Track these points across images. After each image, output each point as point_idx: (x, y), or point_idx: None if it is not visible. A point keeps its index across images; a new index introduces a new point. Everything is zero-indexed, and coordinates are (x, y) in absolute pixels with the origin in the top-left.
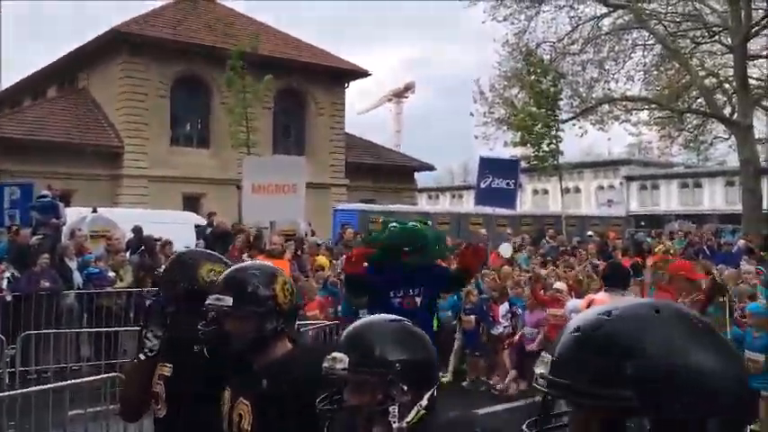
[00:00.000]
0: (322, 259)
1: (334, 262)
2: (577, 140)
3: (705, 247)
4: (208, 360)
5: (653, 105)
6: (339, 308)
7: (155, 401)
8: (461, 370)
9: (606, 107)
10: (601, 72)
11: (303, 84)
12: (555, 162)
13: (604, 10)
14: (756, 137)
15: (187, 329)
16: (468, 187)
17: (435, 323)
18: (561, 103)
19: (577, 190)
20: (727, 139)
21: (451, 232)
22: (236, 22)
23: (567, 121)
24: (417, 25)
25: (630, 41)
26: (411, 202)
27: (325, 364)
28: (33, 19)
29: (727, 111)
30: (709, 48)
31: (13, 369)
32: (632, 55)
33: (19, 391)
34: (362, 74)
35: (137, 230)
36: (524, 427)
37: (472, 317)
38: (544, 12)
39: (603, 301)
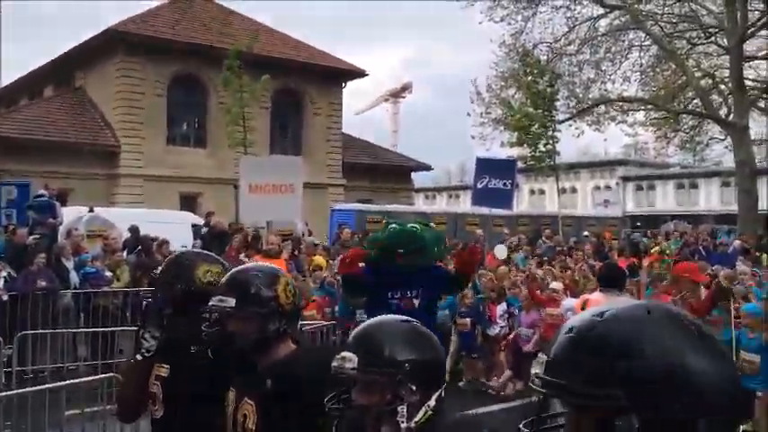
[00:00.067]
0: (319, 259)
1: (331, 262)
2: (574, 141)
3: (701, 248)
4: (211, 361)
5: (649, 106)
6: (336, 308)
7: (152, 402)
8: (458, 370)
9: (603, 108)
10: (597, 73)
11: (300, 83)
12: (551, 162)
13: (601, 11)
14: (752, 138)
15: (184, 330)
16: (465, 187)
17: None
18: (558, 103)
19: (574, 190)
20: (723, 140)
21: (448, 232)
22: (233, 22)
23: (563, 121)
24: (416, 25)
25: (627, 42)
26: (408, 202)
27: (335, 364)
28: (32, 18)
29: (723, 112)
30: (705, 49)
31: (9, 369)
32: (629, 56)
33: (15, 391)
34: (359, 74)
35: (133, 230)
36: (521, 425)
37: (467, 320)
38: (541, 12)
39: (598, 302)
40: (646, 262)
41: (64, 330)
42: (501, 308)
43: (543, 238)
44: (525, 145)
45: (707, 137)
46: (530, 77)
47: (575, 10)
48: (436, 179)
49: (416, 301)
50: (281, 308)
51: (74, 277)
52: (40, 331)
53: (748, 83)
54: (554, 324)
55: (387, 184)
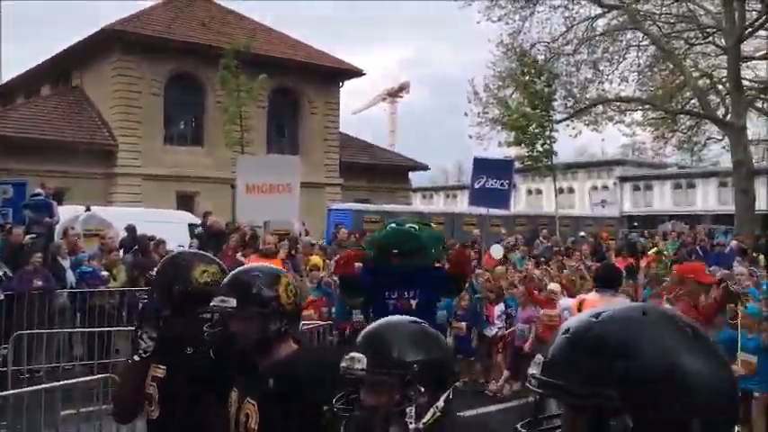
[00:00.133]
0: (316, 259)
1: (328, 262)
2: (571, 141)
3: (698, 248)
4: (209, 361)
5: (647, 106)
6: (333, 309)
7: (148, 403)
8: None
9: (600, 108)
10: (595, 73)
11: (297, 83)
12: (549, 162)
13: (599, 11)
14: (749, 138)
15: (181, 331)
16: (462, 187)
17: None
18: (555, 103)
19: (571, 190)
20: (721, 140)
21: (445, 232)
22: (230, 21)
23: (561, 121)
24: (415, 25)
25: (625, 42)
26: (405, 201)
27: (344, 364)
28: (32, 18)
29: (720, 112)
30: (702, 49)
31: (5, 369)
32: (626, 56)
33: (11, 391)
34: (357, 73)
35: (130, 229)
36: (519, 425)
37: (463, 324)
38: (539, 12)
39: (594, 302)
40: (643, 263)
41: (60, 330)
42: (499, 308)
43: (540, 239)
44: (522, 145)
45: (704, 137)
46: (527, 77)
47: (572, 10)
48: (433, 179)
49: (414, 302)
50: (282, 308)
51: (70, 277)
52: (36, 331)
53: (746, 83)
54: (551, 325)
55: (384, 183)
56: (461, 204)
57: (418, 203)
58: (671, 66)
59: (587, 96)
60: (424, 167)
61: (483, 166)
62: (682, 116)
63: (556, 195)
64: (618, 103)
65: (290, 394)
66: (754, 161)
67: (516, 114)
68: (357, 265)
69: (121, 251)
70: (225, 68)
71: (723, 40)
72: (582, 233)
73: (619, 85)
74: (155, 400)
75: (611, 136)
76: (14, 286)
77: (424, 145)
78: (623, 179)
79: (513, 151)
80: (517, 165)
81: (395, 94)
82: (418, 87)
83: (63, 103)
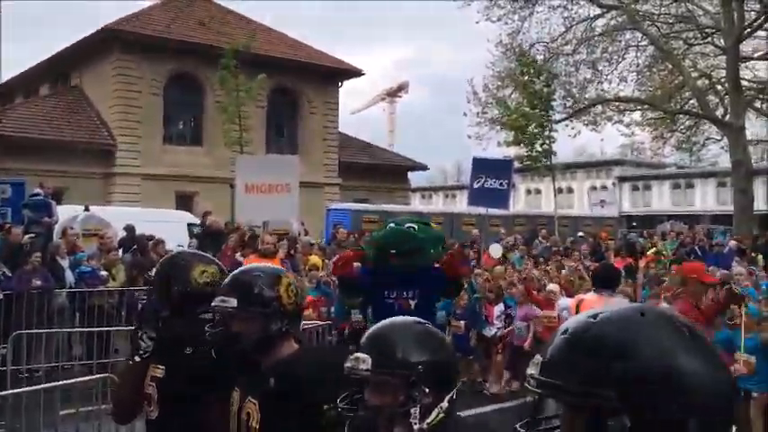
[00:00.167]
0: (315, 259)
1: (327, 262)
2: (570, 141)
3: (696, 248)
4: (209, 361)
5: (645, 106)
6: (332, 308)
7: (147, 403)
8: None
9: (599, 108)
10: (594, 73)
11: (297, 82)
12: (548, 162)
13: (598, 11)
14: (748, 138)
15: (180, 331)
16: (461, 187)
17: None
18: (554, 103)
19: (570, 190)
20: (720, 140)
21: (444, 232)
22: (230, 21)
23: (560, 121)
24: (414, 25)
25: (623, 42)
26: (404, 201)
27: (348, 364)
28: (32, 18)
29: (719, 112)
30: (701, 49)
31: (4, 368)
32: (625, 56)
33: (10, 391)
34: (356, 73)
35: (129, 229)
36: (518, 426)
37: (462, 322)
38: (538, 12)
39: (592, 301)
40: (642, 263)
41: (59, 330)
42: (498, 308)
43: (540, 239)
44: (522, 145)
45: (703, 137)
46: (526, 77)
47: (571, 10)
48: (432, 179)
49: (413, 302)
50: (283, 308)
51: (69, 276)
52: (35, 331)
53: (744, 83)
54: (551, 326)
55: (383, 183)
56: (460, 204)
57: (417, 203)
58: (670, 66)
59: (586, 96)
60: (423, 167)
61: (482, 166)
62: (680, 116)
63: (555, 195)
64: (617, 104)
65: (290, 394)
66: (752, 161)
67: (515, 114)
68: (356, 265)
69: (120, 251)
70: (224, 68)
71: (722, 41)
72: (581, 233)
73: (618, 85)
74: (154, 400)
75: (609, 136)
76: (13, 286)
77: (424, 145)
78: (622, 179)
79: (512, 151)
80: (516, 165)
81: (394, 93)
82: (418, 87)
83: (62, 102)
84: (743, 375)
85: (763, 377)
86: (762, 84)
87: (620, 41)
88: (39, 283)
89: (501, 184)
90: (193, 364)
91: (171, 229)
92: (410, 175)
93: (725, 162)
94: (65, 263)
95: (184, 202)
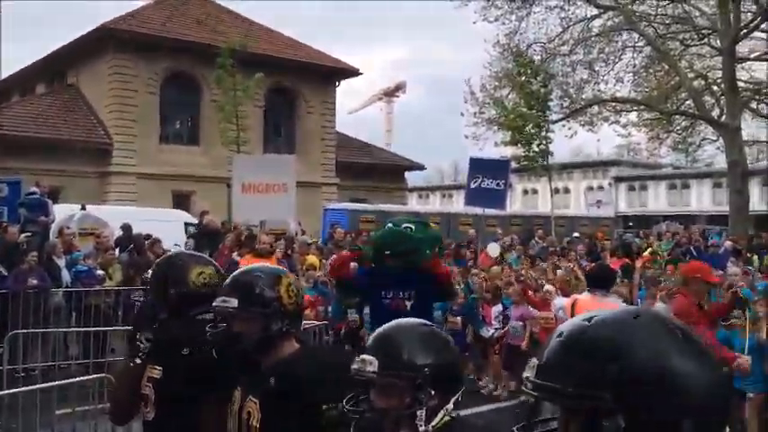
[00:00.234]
0: (312, 259)
1: (324, 261)
2: (567, 141)
3: (692, 248)
4: (214, 361)
5: (642, 107)
6: (329, 308)
7: (144, 404)
8: None
9: (596, 108)
10: (591, 73)
11: (294, 82)
12: (545, 162)
13: (595, 11)
14: (744, 139)
15: (177, 332)
16: (458, 187)
17: None
18: (551, 103)
19: (567, 190)
20: (716, 140)
21: (441, 232)
22: (226, 20)
23: (556, 121)
24: (413, 25)
25: (620, 43)
26: (401, 201)
27: (355, 366)
28: (32, 18)
29: (715, 113)
30: (698, 50)
31: (0, 368)
32: (622, 56)
33: (6, 390)
34: (353, 73)
35: (126, 228)
36: (515, 428)
37: (458, 318)
38: (535, 13)
39: (586, 301)
40: (638, 263)
41: (55, 329)
42: (496, 309)
43: (536, 239)
44: (518, 145)
45: (699, 138)
46: (523, 77)
47: (568, 10)
48: (429, 178)
49: (409, 303)
50: (283, 308)
51: (65, 276)
52: (32, 330)
53: (741, 84)
54: (548, 327)
55: (381, 183)
56: (457, 204)
57: (414, 203)
58: (666, 67)
59: (583, 97)
60: (421, 167)
61: (479, 166)
62: (677, 117)
63: (551, 195)
64: (613, 104)
65: (290, 393)
66: (748, 162)
67: (512, 114)
68: (353, 265)
69: (117, 250)
70: (221, 67)
71: (718, 42)
72: (577, 233)
73: (614, 85)
74: (150, 401)
75: (606, 136)
76: (9, 285)
77: (421, 145)
78: (618, 179)
79: (509, 151)
80: (513, 165)
81: (391, 93)
82: (416, 87)
83: (58, 101)
84: (738, 375)
85: (758, 377)
86: (758, 84)
87: (616, 42)
88: (35, 282)
89: (498, 185)
90: (190, 365)
91: (168, 228)
92: (407, 174)
93: (721, 163)
94: (61, 262)
95: (181, 201)
